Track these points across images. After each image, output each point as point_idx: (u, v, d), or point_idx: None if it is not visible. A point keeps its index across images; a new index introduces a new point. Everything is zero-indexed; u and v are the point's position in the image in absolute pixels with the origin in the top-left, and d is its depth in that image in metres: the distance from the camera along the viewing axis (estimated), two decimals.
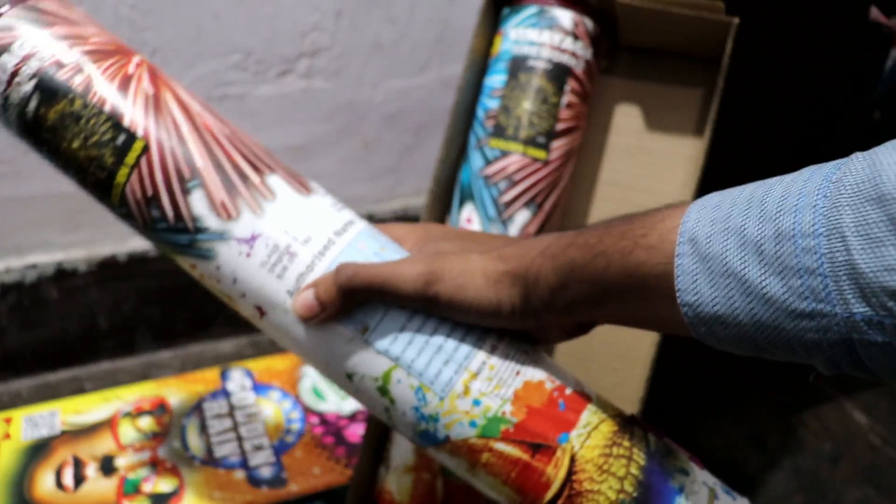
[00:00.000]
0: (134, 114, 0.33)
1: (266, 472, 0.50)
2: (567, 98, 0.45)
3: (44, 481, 0.48)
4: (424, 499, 0.44)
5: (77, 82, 0.33)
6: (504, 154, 0.44)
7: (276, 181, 0.34)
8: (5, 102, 0.33)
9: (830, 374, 0.24)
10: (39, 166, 0.56)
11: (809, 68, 0.65)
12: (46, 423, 0.52)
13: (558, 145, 0.45)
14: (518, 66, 0.45)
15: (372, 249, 0.33)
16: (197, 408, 0.55)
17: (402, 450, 0.44)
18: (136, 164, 0.32)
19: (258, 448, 0.52)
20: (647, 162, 0.49)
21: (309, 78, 0.63)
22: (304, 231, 0.33)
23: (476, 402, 0.31)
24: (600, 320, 0.30)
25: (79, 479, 0.49)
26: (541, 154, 0.44)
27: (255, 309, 0.33)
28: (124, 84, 0.33)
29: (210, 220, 0.32)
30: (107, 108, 0.32)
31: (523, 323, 0.31)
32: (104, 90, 0.33)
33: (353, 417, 0.55)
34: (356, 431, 0.54)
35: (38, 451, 0.50)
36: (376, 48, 0.65)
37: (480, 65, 0.48)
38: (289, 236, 0.32)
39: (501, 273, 0.30)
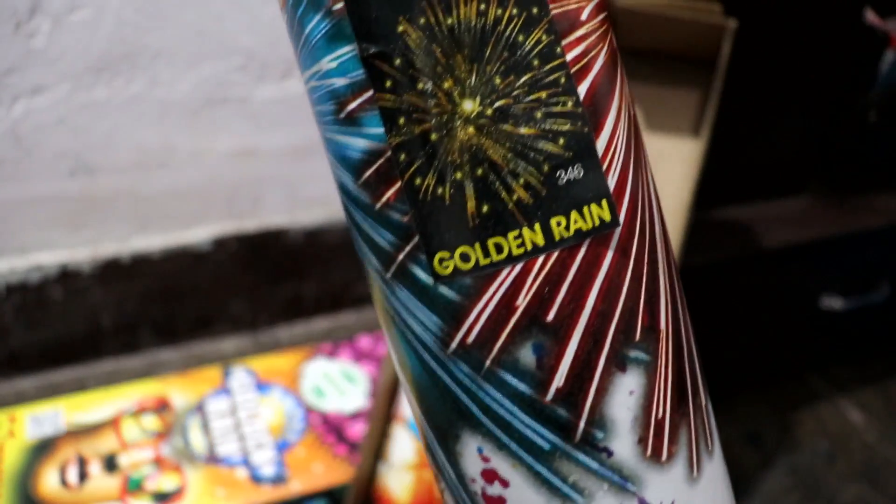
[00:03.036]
0: (617, 142, 0.18)
1: (268, 471, 0.51)
2: None
3: (48, 479, 0.49)
4: (425, 497, 0.44)
5: None
6: None
7: (712, 414, 0.20)
8: None
9: None
10: (42, 166, 0.57)
11: (804, 70, 0.65)
12: (50, 421, 0.53)
13: None
14: None
15: None
16: (199, 406, 0.55)
17: (402, 448, 0.45)
18: (573, 244, 0.17)
19: (260, 446, 0.52)
20: None
21: None
22: None
23: None
24: None
25: (83, 477, 0.49)
26: None
27: None
28: (613, 63, 0.19)
29: (621, 443, 0.17)
30: (581, 89, 0.17)
31: None
32: (591, 52, 0.18)
33: (354, 416, 0.56)
34: (357, 430, 0.55)
35: (42, 449, 0.51)
36: None
37: None
38: None
39: None
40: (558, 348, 0.17)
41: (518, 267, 0.17)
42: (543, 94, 0.17)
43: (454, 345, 0.17)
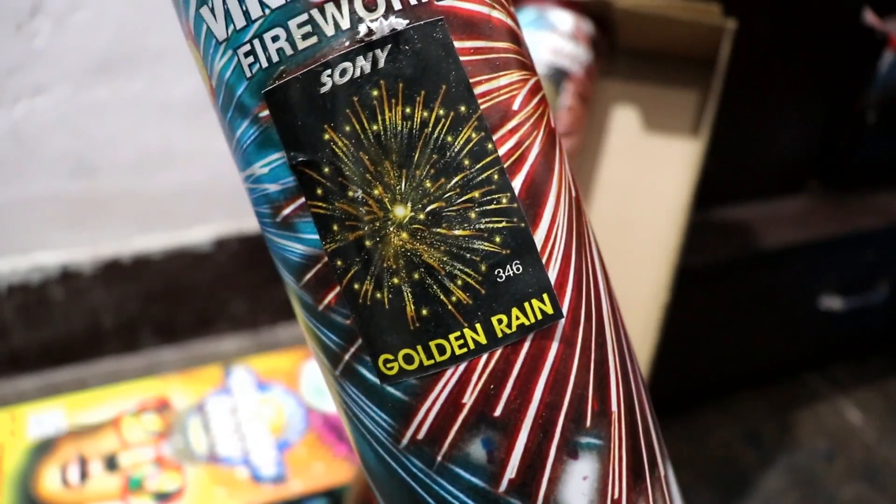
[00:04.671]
0: (556, 232, 0.17)
1: (268, 470, 0.51)
2: (567, 101, 0.46)
3: (49, 479, 0.49)
4: None
5: (483, 90, 0.17)
6: None
7: (671, 477, 0.20)
8: (294, 20, 0.17)
9: None
10: (43, 167, 0.57)
11: (804, 71, 0.65)
12: (52, 421, 0.53)
13: None
14: None
15: None
16: (200, 406, 0.55)
17: None
18: (516, 340, 0.17)
19: (260, 446, 0.53)
20: (644, 164, 0.50)
21: None
22: None
23: None
24: None
25: (84, 476, 0.49)
26: None
27: None
28: (550, 148, 0.18)
29: None
30: (516, 183, 0.17)
31: None
32: (525, 143, 0.17)
33: None
34: None
35: (43, 448, 0.51)
36: None
37: None
38: None
39: None
40: (508, 442, 0.17)
41: (462, 366, 0.17)
42: (476, 194, 0.16)
43: (405, 441, 0.17)
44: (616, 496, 0.18)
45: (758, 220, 0.68)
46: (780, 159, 0.70)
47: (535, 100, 0.18)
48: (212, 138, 0.62)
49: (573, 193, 0.19)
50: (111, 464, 0.50)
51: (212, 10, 0.17)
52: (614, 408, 0.18)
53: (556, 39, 0.45)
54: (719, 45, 0.43)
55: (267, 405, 0.56)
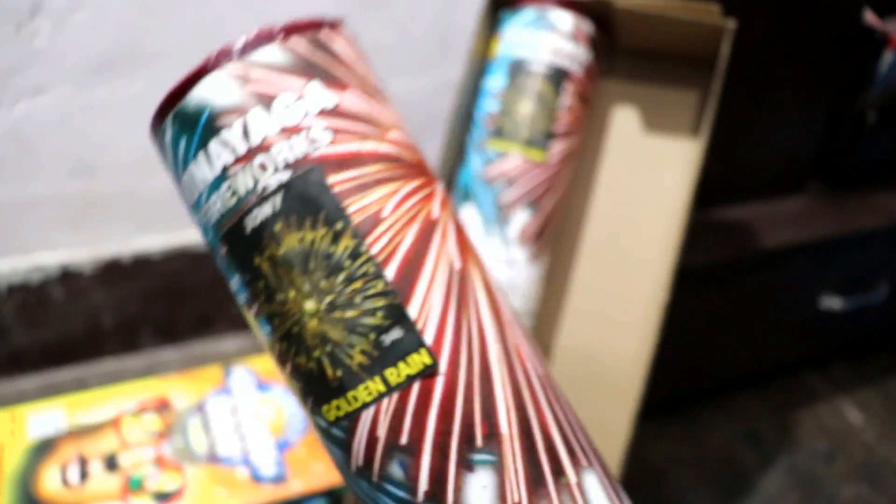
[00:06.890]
0: (430, 300, 0.22)
1: (268, 470, 0.51)
2: (567, 101, 0.46)
3: (49, 479, 0.49)
4: None
5: (355, 207, 0.23)
6: (503, 155, 0.45)
7: (593, 484, 0.22)
8: (222, 187, 0.23)
9: None
10: (43, 167, 0.57)
11: (804, 71, 0.65)
12: (52, 420, 0.53)
13: (558, 148, 0.46)
14: (517, 68, 0.46)
15: None
16: (200, 406, 0.55)
17: None
18: (406, 385, 0.22)
19: (261, 446, 0.53)
20: (644, 164, 0.50)
21: None
22: None
23: None
24: None
25: (84, 476, 0.49)
26: (540, 156, 0.45)
27: None
28: (426, 237, 0.23)
29: None
30: (389, 271, 0.22)
31: None
32: (396, 238, 0.23)
33: None
34: None
35: (43, 448, 0.51)
36: (377, 50, 0.66)
37: (481, 67, 0.48)
38: None
39: None
40: (416, 462, 0.21)
41: (371, 409, 0.22)
42: (358, 284, 0.22)
43: (353, 468, 0.23)
44: (516, 499, 0.21)
45: (758, 220, 0.68)
46: (780, 159, 0.70)
47: (411, 202, 0.23)
48: None
49: (455, 266, 0.23)
50: (111, 464, 0.50)
51: (186, 187, 0.25)
52: (504, 430, 0.22)
53: (556, 39, 0.45)
54: (719, 45, 0.43)
55: (267, 405, 0.56)
